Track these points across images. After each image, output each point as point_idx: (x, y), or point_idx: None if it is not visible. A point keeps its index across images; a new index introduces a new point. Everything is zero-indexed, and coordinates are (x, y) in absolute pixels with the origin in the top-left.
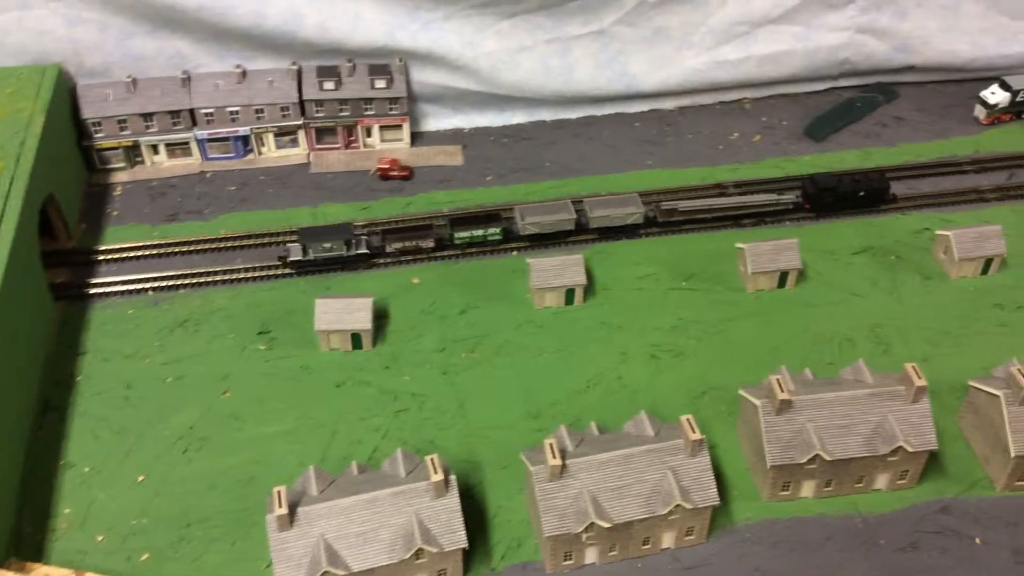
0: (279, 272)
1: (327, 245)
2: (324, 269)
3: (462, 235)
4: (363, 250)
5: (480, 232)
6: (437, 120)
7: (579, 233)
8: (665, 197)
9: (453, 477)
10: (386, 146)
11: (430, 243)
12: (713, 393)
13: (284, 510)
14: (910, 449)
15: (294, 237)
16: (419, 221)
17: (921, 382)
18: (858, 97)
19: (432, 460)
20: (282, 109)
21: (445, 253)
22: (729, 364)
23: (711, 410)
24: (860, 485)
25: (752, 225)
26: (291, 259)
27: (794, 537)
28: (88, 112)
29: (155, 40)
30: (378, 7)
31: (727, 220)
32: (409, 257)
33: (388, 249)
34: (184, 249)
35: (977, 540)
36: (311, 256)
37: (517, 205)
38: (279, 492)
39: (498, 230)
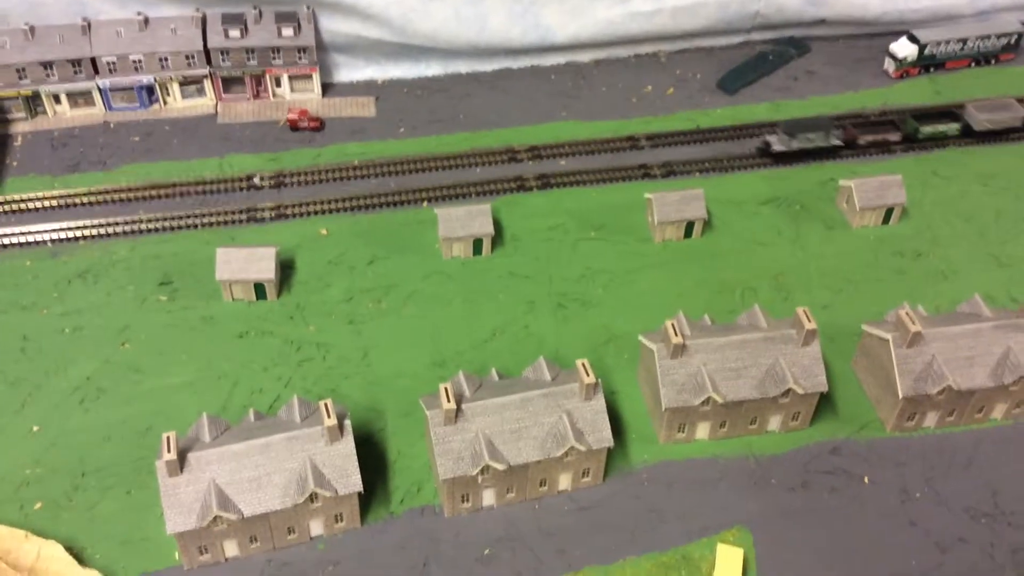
0: (182, 223)
1: (811, 136)
2: (804, 159)
3: (927, 130)
4: (838, 142)
5: (943, 127)
6: (350, 71)
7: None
8: None
9: (348, 422)
10: (297, 96)
11: (897, 137)
12: (618, 341)
13: (173, 455)
14: (800, 391)
15: (775, 129)
16: (886, 116)
17: (811, 325)
18: (771, 51)
19: (326, 405)
20: (187, 57)
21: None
22: (634, 313)
23: (615, 358)
24: (754, 427)
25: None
26: (774, 149)
27: (689, 477)
28: None
29: None
30: None
31: None
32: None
33: (860, 142)
34: (85, 200)
35: (865, 479)
36: (795, 146)
37: (969, 102)
38: (168, 437)
39: (957, 126)
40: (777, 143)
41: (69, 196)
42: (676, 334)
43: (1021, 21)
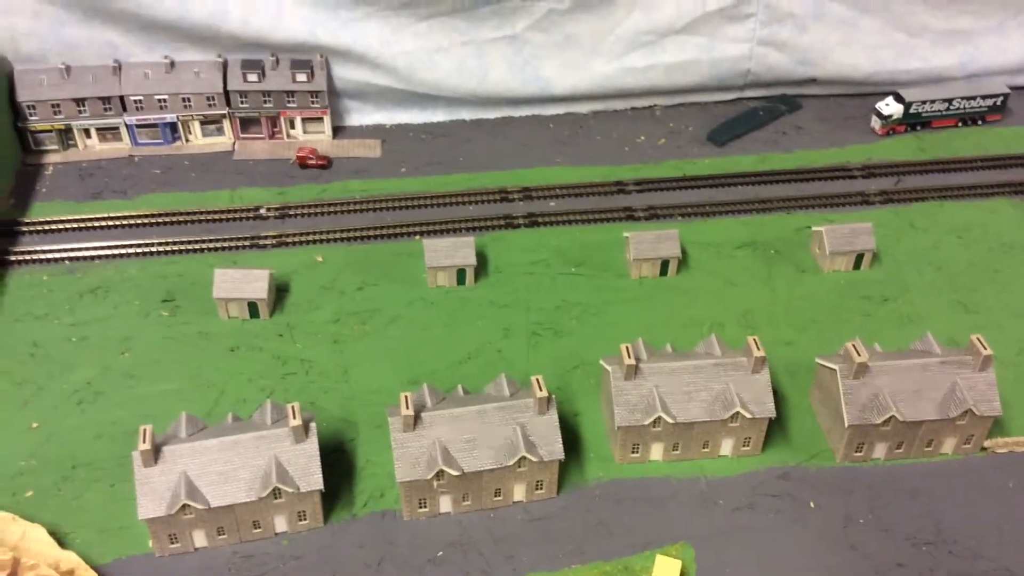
0: (190, 247)
1: None
2: None
3: None
4: None
5: None
6: (361, 116)
7: None
8: None
9: (313, 424)
10: (309, 137)
11: None
12: (585, 367)
13: (148, 446)
14: (748, 415)
15: None
16: None
17: (759, 353)
18: (762, 107)
19: (293, 408)
20: (208, 99)
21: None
22: (604, 342)
23: (581, 382)
24: (706, 450)
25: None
26: None
27: (640, 495)
28: (23, 96)
29: (87, 29)
30: (300, 4)
31: None
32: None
33: None
34: (103, 224)
35: (811, 504)
36: None
37: None
38: (145, 430)
39: None
40: None
41: (89, 220)
42: (629, 356)
43: (1008, 84)
